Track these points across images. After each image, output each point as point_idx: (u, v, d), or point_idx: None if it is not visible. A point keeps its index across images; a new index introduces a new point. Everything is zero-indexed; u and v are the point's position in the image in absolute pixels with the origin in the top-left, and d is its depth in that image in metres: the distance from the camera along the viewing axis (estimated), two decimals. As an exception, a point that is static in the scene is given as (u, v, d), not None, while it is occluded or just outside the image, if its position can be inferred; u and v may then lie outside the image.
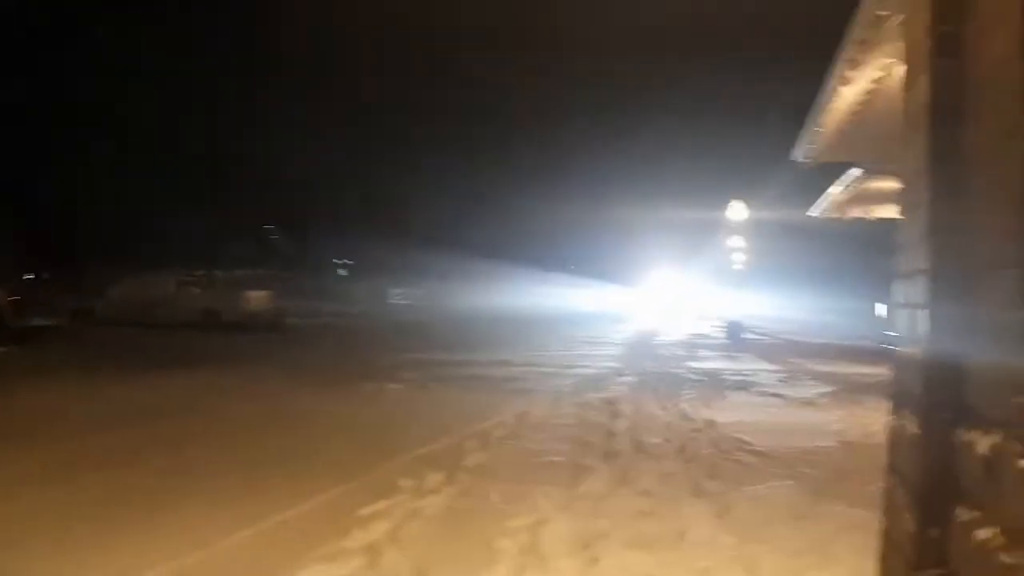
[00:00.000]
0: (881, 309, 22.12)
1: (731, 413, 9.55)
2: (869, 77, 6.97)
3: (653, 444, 7.51)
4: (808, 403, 10.70)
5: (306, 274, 56.07)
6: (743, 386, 12.68)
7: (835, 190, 13.96)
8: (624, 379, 13.39)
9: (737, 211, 30.53)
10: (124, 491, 5.73)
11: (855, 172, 12.00)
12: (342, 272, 60.92)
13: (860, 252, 28.92)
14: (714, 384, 12.90)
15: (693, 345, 23.62)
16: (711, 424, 8.67)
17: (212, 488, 5.78)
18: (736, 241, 31.95)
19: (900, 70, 4.78)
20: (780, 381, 13.55)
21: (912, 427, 2.92)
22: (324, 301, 51.09)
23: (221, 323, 24.42)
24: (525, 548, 4.47)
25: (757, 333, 28.91)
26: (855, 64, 6.43)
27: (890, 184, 11.35)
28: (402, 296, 67.74)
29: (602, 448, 7.27)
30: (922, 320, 2.83)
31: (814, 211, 16.88)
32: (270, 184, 58.08)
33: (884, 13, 5.15)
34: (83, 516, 5.10)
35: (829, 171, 13.41)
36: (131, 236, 43.19)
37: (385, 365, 15.04)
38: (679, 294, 64.12)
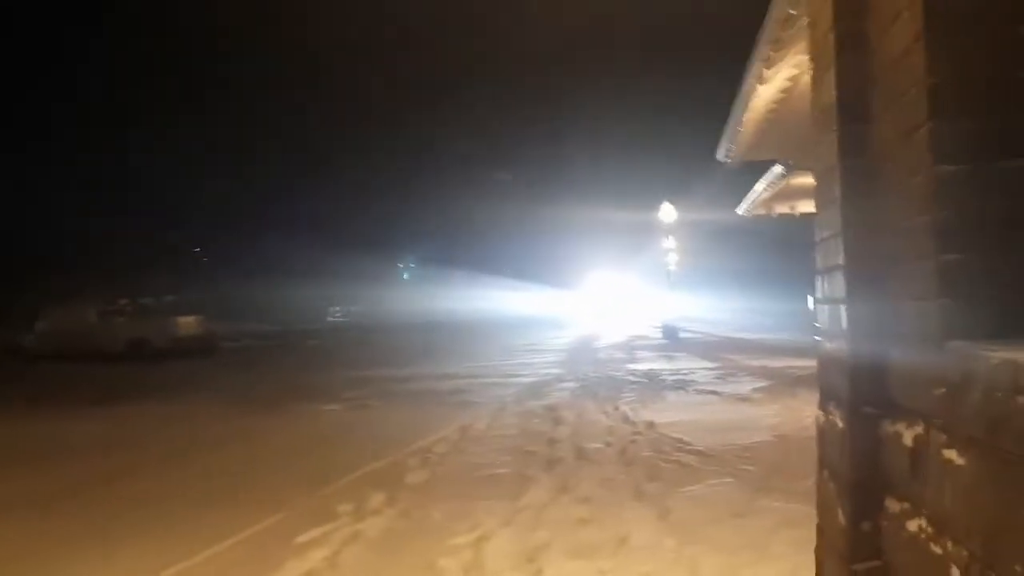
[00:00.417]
0: (810, 303, 22.69)
1: (670, 413, 9.63)
2: (784, 75, 7.11)
3: (594, 449, 7.51)
4: (744, 399, 10.86)
5: (238, 295, 54.87)
6: (681, 385, 12.82)
7: (759, 187, 14.25)
8: (565, 385, 13.41)
9: (668, 213, 30.98)
10: (42, 535, 5.46)
11: (777, 169, 12.26)
12: (278, 290, 59.85)
13: (788, 248, 29.62)
14: (653, 385, 13.01)
15: (631, 347, 23.84)
16: (651, 426, 8.72)
17: (141, 524, 5.55)
18: (669, 242, 32.40)
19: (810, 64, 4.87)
20: (716, 378, 13.74)
21: (839, 422, 2.94)
22: (258, 322, 50.09)
23: (151, 351, 23.69)
24: (468, 566, 4.40)
25: (693, 332, 29.36)
26: (770, 63, 6.55)
27: (811, 180, 11.62)
28: (340, 311, 66.83)
29: (544, 457, 7.23)
30: (842, 315, 2.86)
31: (742, 209, 17.21)
32: (195, 205, 56.85)
33: (794, 12, 5.25)
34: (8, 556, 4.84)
35: (757, 169, 13.69)
36: (55, 265, 41.78)
37: (323, 385, 14.77)
38: (617, 296, 64.78)
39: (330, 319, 62.00)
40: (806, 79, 7.02)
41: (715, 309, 42.17)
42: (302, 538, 4.97)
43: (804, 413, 8.97)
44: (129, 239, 48.78)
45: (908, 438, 2.38)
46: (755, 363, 16.44)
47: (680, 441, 7.73)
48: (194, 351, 24.37)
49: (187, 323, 25.57)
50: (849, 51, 2.65)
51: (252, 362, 23.11)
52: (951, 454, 2.01)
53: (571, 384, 13.54)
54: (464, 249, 65.30)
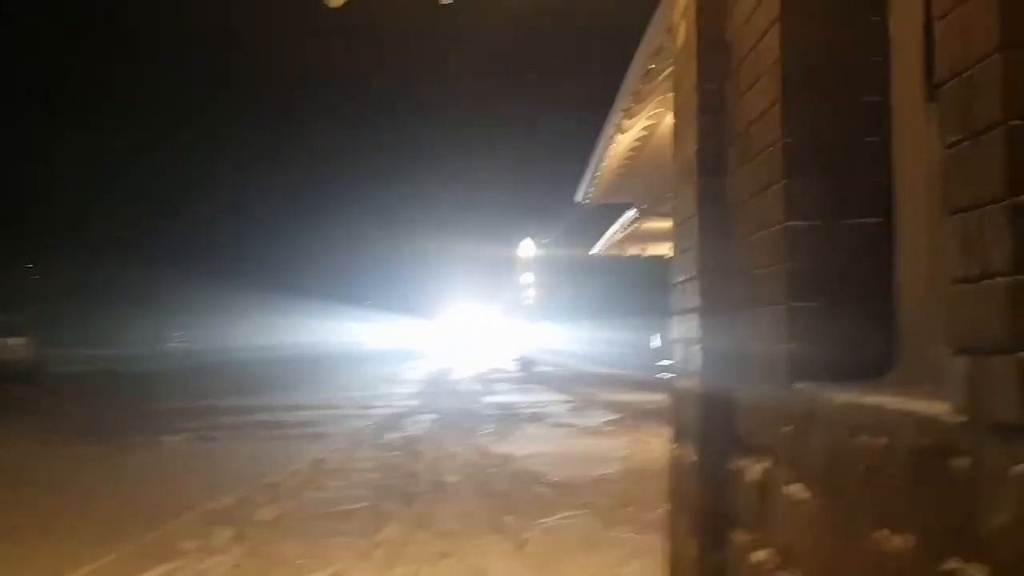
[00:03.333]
0: (658, 340, 23.73)
1: (527, 446, 9.75)
2: (641, 125, 7.49)
3: (453, 483, 7.49)
4: (596, 431, 11.16)
5: (73, 317, 51.15)
6: (537, 418, 13.03)
7: (614, 229, 14.83)
8: (423, 417, 13.32)
9: (528, 249, 31.65)
10: None
11: (631, 213, 12.82)
12: (118, 314, 56.20)
13: (639, 286, 30.86)
14: (510, 417, 13.14)
15: (490, 380, 24.02)
16: (508, 458, 8.80)
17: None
18: (528, 277, 33.04)
19: (669, 118, 5.16)
20: (571, 411, 14.06)
21: (691, 456, 3.10)
22: (95, 346, 46.79)
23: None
24: (321, 605, 4.26)
25: (549, 365, 29.93)
26: (630, 113, 6.88)
27: (662, 224, 12.24)
28: (183, 337, 63.52)
29: (402, 491, 7.14)
30: (696, 354, 3.04)
31: (596, 248, 17.83)
32: (32, 220, 52.82)
33: (654, 66, 5.56)
34: None
35: (613, 211, 14.26)
36: None
37: (165, 414, 13.96)
38: (476, 328, 65.15)
39: (172, 344, 58.82)
40: (662, 129, 7.44)
41: (571, 341, 43.15)
42: (141, 579, 4.66)
43: (653, 445, 9.32)
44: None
45: (755, 472, 2.55)
46: (607, 396, 16.94)
47: (536, 473, 7.84)
48: (20, 375, 22.46)
49: (14, 345, 23.55)
50: (710, 110, 2.85)
51: (86, 388, 21.54)
52: (795, 489, 2.17)
53: (429, 416, 13.47)
54: (324, 279, 63.86)
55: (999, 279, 1.37)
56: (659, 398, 15.19)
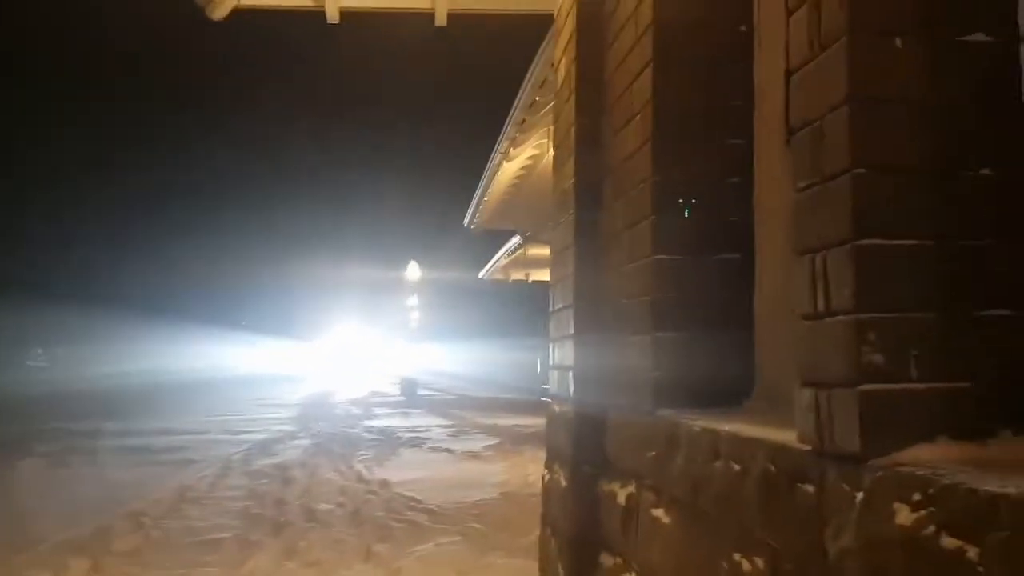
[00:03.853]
0: (540, 364, 24.03)
1: (404, 471, 9.62)
2: (527, 155, 7.63)
3: (326, 510, 7.30)
4: (475, 456, 11.14)
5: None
6: (416, 443, 12.89)
7: (499, 255, 14.98)
8: (298, 442, 12.94)
9: (414, 271, 31.47)
10: None
11: (516, 240, 12.99)
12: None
13: (523, 310, 31.21)
14: (389, 442, 12.94)
15: (369, 403, 23.60)
16: (385, 484, 8.65)
17: None
18: (413, 299, 32.82)
19: (552, 149, 5.28)
20: (450, 436, 13.99)
21: (562, 480, 3.15)
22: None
23: None
24: (180, 640, 4.05)
25: (431, 389, 29.72)
26: (516, 142, 7.00)
27: (546, 251, 12.46)
28: (42, 358, 59.47)
29: (271, 519, 6.89)
30: (570, 381, 3.09)
31: (482, 274, 17.94)
32: None
33: (539, 99, 5.68)
34: None
35: (499, 237, 14.40)
36: None
37: (17, 437, 13.00)
38: (358, 351, 64.01)
39: (30, 365, 55.06)
40: (546, 159, 7.60)
41: (455, 363, 43.06)
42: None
43: (529, 470, 9.39)
44: None
45: (622, 496, 2.61)
46: (487, 421, 16.96)
47: (413, 499, 7.74)
48: None
49: None
50: (587, 146, 2.93)
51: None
52: (658, 512, 2.23)
53: (305, 441, 13.09)
54: (199, 302, 61.27)
55: (841, 317, 1.47)
56: (539, 422, 15.36)
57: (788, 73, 2.19)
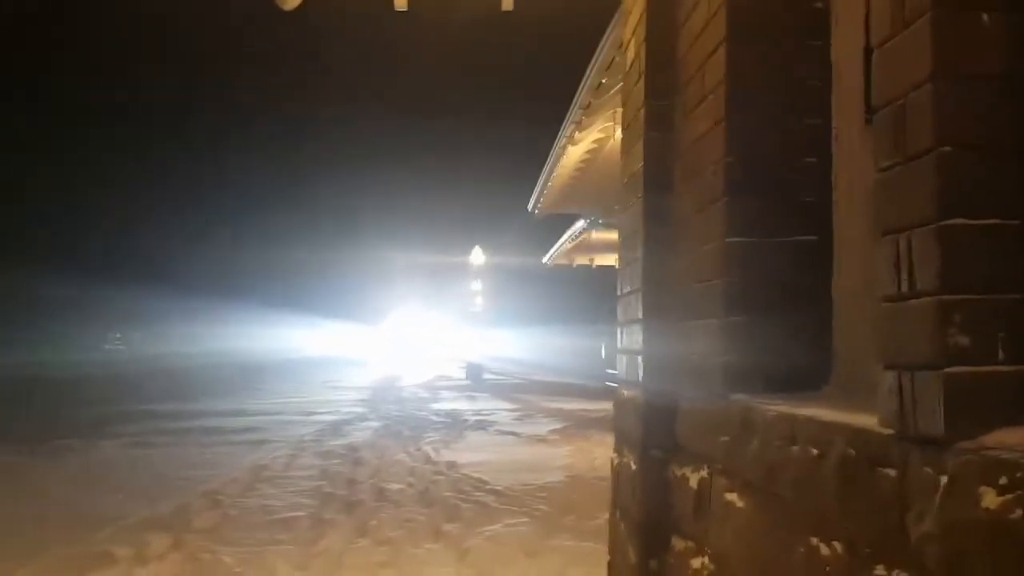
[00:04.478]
0: (605, 349, 23.96)
1: (471, 453, 9.75)
2: (592, 138, 7.58)
3: (395, 490, 7.44)
4: (540, 439, 11.21)
5: (4, 322, 49.42)
6: (482, 426, 13.03)
7: (564, 239, 14.95)
8: (368, 424, 13.21)
9: (478, 256, 31.65)
10: None
11: (580, 224, 12.94)
12: (48, 318, 54.40)
13: (587, 295, 31.13)
14: (456, 425, 13.12)
15: (436, 387, 23.91)
16: (452, 466, 8.78)
17: None
18: (477, 284, 33.03)
19: (619, 132, 5.24)
20: (515, 419, 14.09)
21: (632, 464, 3.15)
22: (26, 348, 45.19)
23: None
24: (259, 613, 4.20)
25: (496, 373, 29.93)
26: (581, 126, 6.96)
27: (610, 235, 12.39)
28: (120, 341, 61.71)
29: (343, 499, 7.07)
30: (639, 365, 3.09)
31: (546, 259, 17.94)
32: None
33: (606, 81, 5.64)
34: None
35: (563, 222, 14.38)
36: None
37: (99, 419, 13.59)
38: (423, 336, 64.73)
39: (109, 349, 57.23)
40: (612, 142, 7.55)
41: (519, 347, 43.25)
42: (73, 587, 4.53)
43: (595, 454, 9.41)
44: None
45: (693, 481, 2.60)
46: (552, 405, 17.02)
47: (480, 481, 7.83)
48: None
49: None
50: (657, 128, 2.90)
51: (13, 393, 20.83)
52: (732, 497, 2.22)
53: (374, 423, 13.37)
54: (268, 285, 62.76)
55: (925, 299, 1.44)
56: (604, 407, 15.34)
57: (867, 50, 2.13)
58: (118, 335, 61.12)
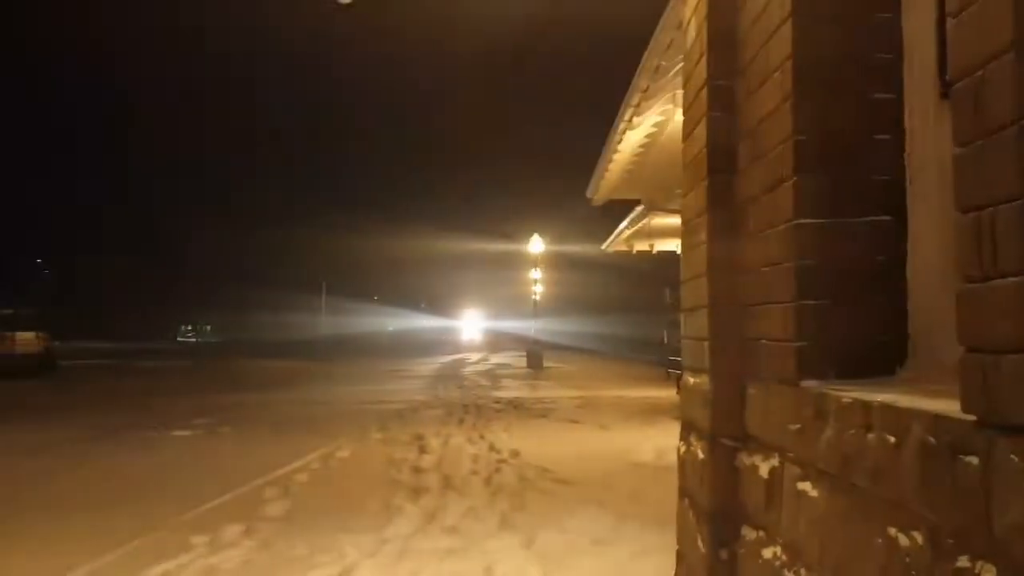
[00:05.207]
0: (667, 336, 23.73)
1: (534, 441, 9.77)
2: (651, 122, 7.47)
3: (461, 478, 7.51)
4: (603, 427, 11.17)
5: (83, 311, 51.42)
6: (544, 413, 13.04)
7: (623, 225, 14.80)
8: (432, 412, 13.35)
9: (538, 245, 31.65)
10: None
11: (640, 210, 12.79)
12: (126, 308, 56.40)
13: (648, 281, 30.86)
14: (518, 413, 13.16)
15: (497, 375, 24.04)
16: (516, 454, 8.81)
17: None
18: (536, 272, 33.05)
19: (678, 115, 5.15)
20: (578, 407, 14.06)
21: (700, 452, 3.10)
22: (103, 340, 46.98)
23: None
24: (331, 599, 4.28)
25: (557, 361, 29.93)
26: (640, 109, 6.86)
27: (670, 220, 12.22)
28: (192, 332, 63.64)
29: (410, 486, 7.16)
30: (705, 351, 3.03)
31: (605, 245, 17.81)
32: (35, 217, 53.17)
33: (664, 63, 5.54)
34: None
35: (622, 208, 14.24)
36: None
37: (171, 409, 14.04)
38: (485, 324, 65.09)
39: (180, 339, 59.02)
40: (671, 126, 7.42)
41: (579, 335, 43.21)
42: (149, 573, 4.69)
43: (658, 442, 9.33)
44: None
45: (764, 470, 2.54)
46: (614, 392, 16.95)
47: (544, 469, 7.85)
48: (31, 370, 22.62)
49: (25, 340, 23.68)
50: (720, 109, 2.84)
51: (93, 383, 21.65)
52: (804, 486, 2.17)
53: (438, 411, 13.50)
54: (331, 276, 63.86)
55: (1010, 278, 1.37)
56: (666, 394, 15.21)
57: (941, 21, 2.04)
58: (189, 327, 62.88)
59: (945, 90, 2.04)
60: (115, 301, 55.03)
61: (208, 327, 62.26)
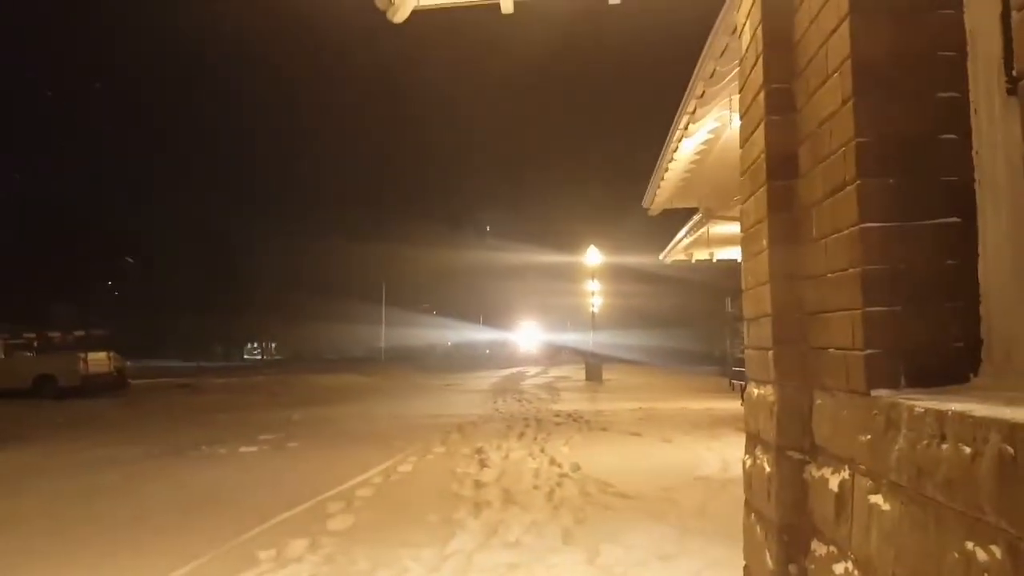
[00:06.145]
0: (729, 346, 23.35)
1: (594, 455, 9.69)
2: (707, 128, 7.38)
3: (522, 492, 7.49)
4: (665, 440, 11.01)
5: (149, 329, 53.02)
6: (604, 426, 12.93)
7: (681, 235, 14.65)
8: (491, 426, 13.37)
9: (594, 256, 31.53)
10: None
11: (697, 218, 12.64)
12: (192, 326, 58.00)
13: (707, 290, 30.46)
14: (577, 426, 13.08)
15: (556, 388, 23.97)
16: (576, 467, 8.75)
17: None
18: (594, 284, 32.91)
19: (735, 120, 5.08)
20: (638, 419, 13.91)
21: (766, 465, 3.03)
22: (171, 358, 48.40)
23: (57, 389, 22.55)
24: (394, 613, 4.29)
25: (616, 373, 29.71)
26: (695, 116, 6.80)
27: (729, 228, 12.04)
28: (256, 351, 65.01)
29: (471, 500, 7.17)
30: (769, 361, 2.96)
31: (663, 255, 17.64)
32: (108, 239, 55.14)
33: (719, 68, 5.48)
34: None
35: (679, 217, 14.10)
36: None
37: (238, 425, 14.33)
38: (542, 336, 65.05)
39: (246, 356, 60.38)
40: (728, 132, 7.33)
41: (638, 346, 42.86)
42: (220, 587, 4.78)
43: (724, 455, 9.16)
44: (30, 266, 47.06)
45: (834, 483, 2.47)
46: (675, 404, 16.73)
47: (605, 483, 7.77)
48: (104, 389, 23.39)
49: (97, 360, 24.51)
50: (779, 110, 2.78)
51: (163, 401, 22.28)
52: (876, 499, 2.09)
53: (498, 425, 13.51)
54: (388, 289, 64.59)
55: (1093, 279, 1.31)
56: (729, 405, 14.94)
57: (1006, 15, 1.97)
58: (255, 345, 64.26)
59: (1012, 86, 1.96)
60: (182, 320, 56.63)
61: (273, 344, 63.55)
